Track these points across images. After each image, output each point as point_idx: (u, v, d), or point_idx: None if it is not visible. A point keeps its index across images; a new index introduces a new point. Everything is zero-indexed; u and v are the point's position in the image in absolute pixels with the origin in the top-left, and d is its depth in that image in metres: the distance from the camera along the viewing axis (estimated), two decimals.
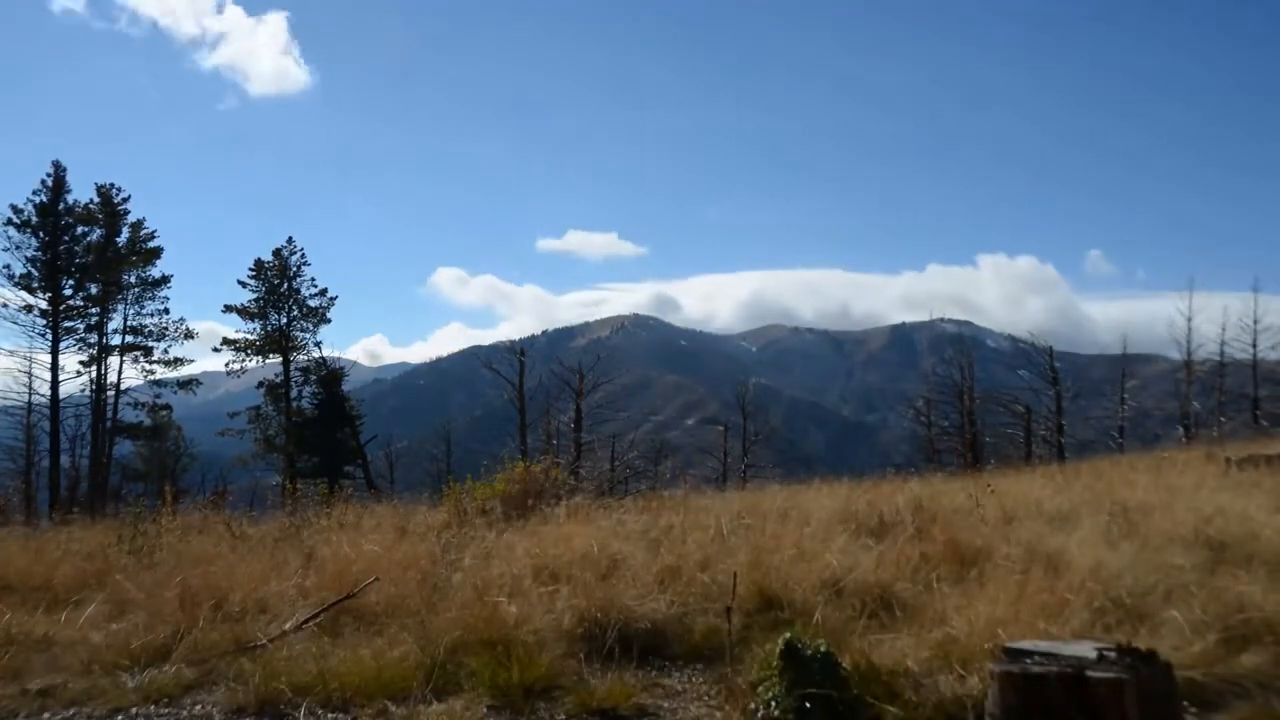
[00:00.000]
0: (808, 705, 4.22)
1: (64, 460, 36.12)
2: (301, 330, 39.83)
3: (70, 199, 37.07)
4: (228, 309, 39.51)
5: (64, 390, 36.26)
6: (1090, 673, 3.24)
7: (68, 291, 36.81)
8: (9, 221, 35.69)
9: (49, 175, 36.80)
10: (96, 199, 37.88)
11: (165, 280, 39.16)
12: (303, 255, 40.13)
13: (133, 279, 38.45)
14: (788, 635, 4.53)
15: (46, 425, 35.60)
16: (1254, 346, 32.23)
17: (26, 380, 35.52)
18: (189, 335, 39.44)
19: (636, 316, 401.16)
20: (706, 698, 4.93)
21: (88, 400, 37.11)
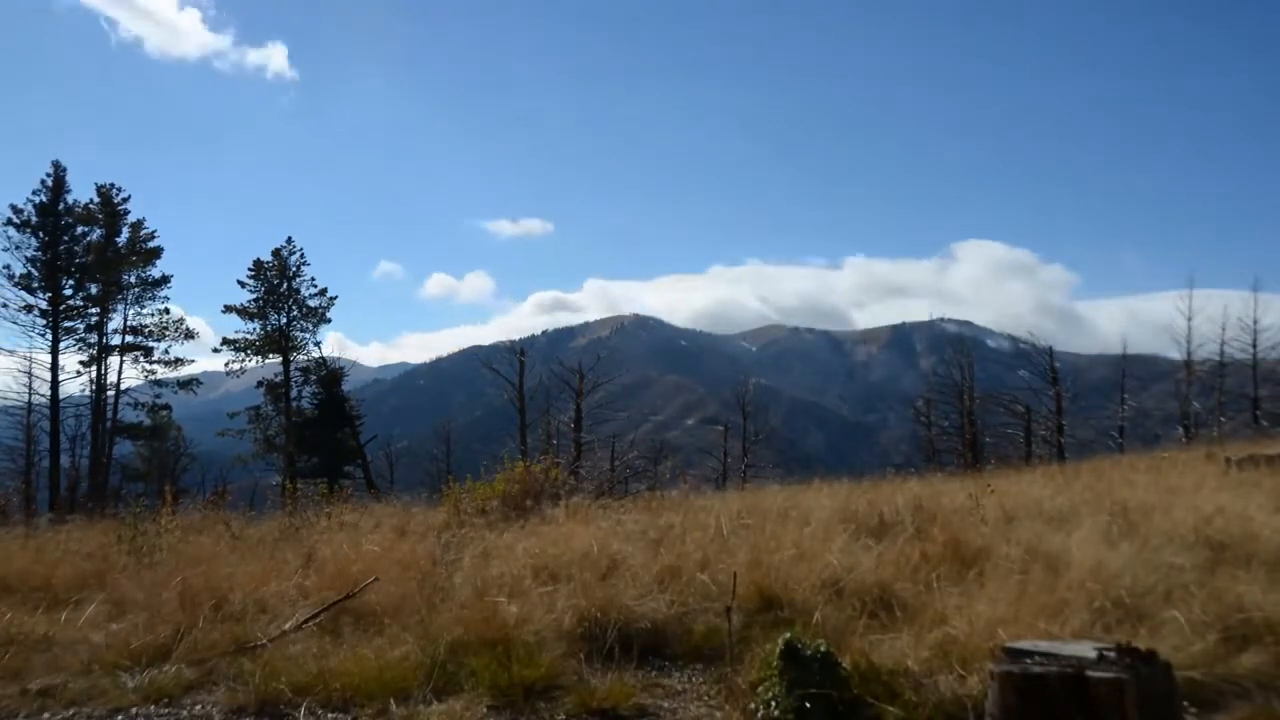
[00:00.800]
0: (808, 705, 4.22)
1: (64, 460, 36.14)
2: (301, 330, 39.90)
3: (70, 199, 37.15)
4: (227, 309, 39.56)
5: (64, 390, 36.30)
6: (1090, 673, 3.24)
7: (68, 291, 36.83)
8: (9, 221, 35.73)
9: (49, 175, 36.84)
10: (96, 199, 37.92)
11: (165, 280, 39.25)
12: (302, 255, 40.23)
13: (132, 279, 38.48)
14: (788, 635, 4.54)
15: (46, 425, 35.60)
16: (1254, 346, 32.24)
17: (26, 380, 35.56)
18: (189, 335, 39.50)
19: (636, 316, 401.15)
20: (707, 698, 4.93)
21: (88, 400, 37.11)
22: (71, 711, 4.99)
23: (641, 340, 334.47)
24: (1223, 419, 31.72)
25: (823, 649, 4.46)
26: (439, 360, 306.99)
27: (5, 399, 35.48)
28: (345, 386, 39.06)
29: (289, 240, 40.37)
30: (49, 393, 35.70)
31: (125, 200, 38.40)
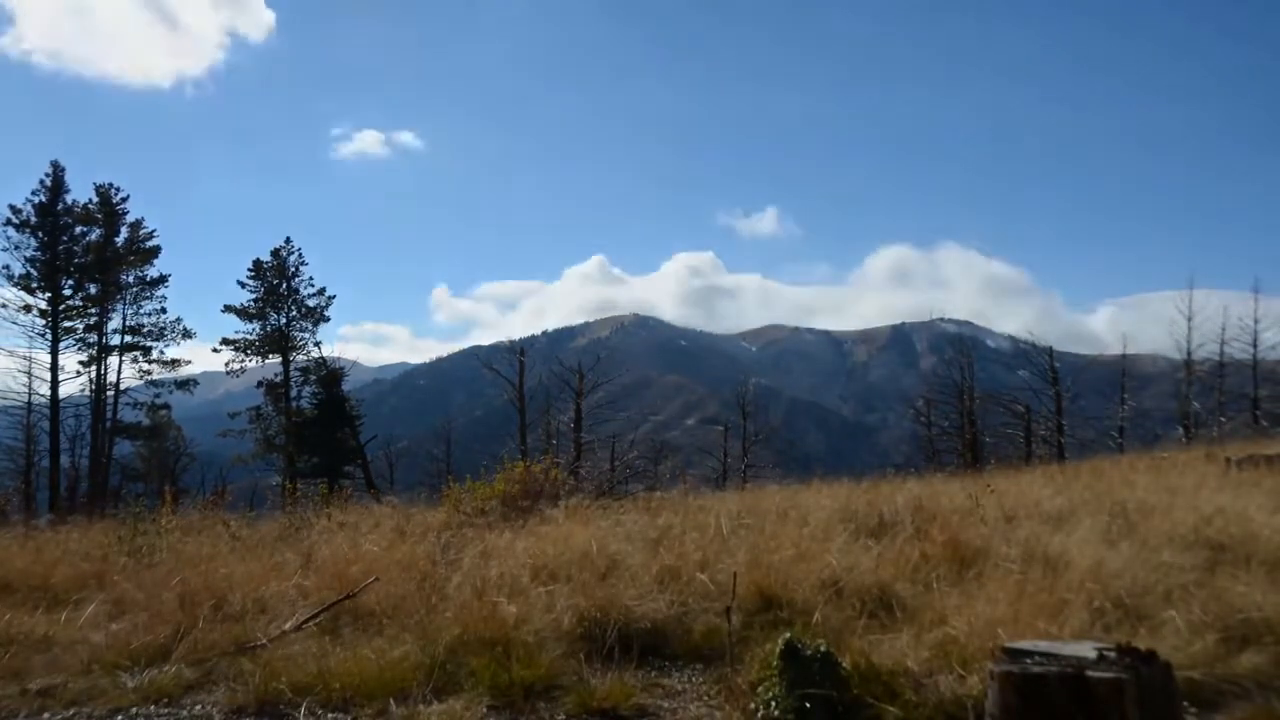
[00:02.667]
0: (808, 705, 4.22)
1: (64, 460, 36.15)
2: (301, 330, 39.88)
3: (69, 199, 37.16)
4: (227, 309, 39.55)
5: (64, 390, 36.30)
6: (1090, 673, 3.24)
7: (67, 291, 36.83)
8: (8, 221, 35.73)
9: (48, 175, 36.85)
10: (95, 199, 37.92)
11: (163, 279, 39.26)
12: (300, 255, 40.22)
13: (131, 279, 38.49)
14: (788, 635, 4.54)
15: (46, 425, 35.61)
16: (1254, 346, 32.26)
17: (26, 380, 35.57)
18: (187, 334, 39.50)
19: (636, 316, 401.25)
20: (706, 698, 4.93)
21: (87, 400, 37.11)
22: (71, 711, 4.99)
23: (641, 340, 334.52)
24: (1223, 419, 31.72)
25: (823, 649, 4.46)
26: (439, 360, 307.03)
27: (5, 399, 35.53)
28: (345, 386, 39.03)
29: (288, 240, 40.43)
30: (49, 393, 35.72)
31: (124, 200, 38.46)
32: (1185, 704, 4.01)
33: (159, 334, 38.82)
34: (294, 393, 39.24)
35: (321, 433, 37.25)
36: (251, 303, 39.64)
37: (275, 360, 39.80)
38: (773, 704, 4.33)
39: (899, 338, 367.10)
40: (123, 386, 38.18)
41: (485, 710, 4.76)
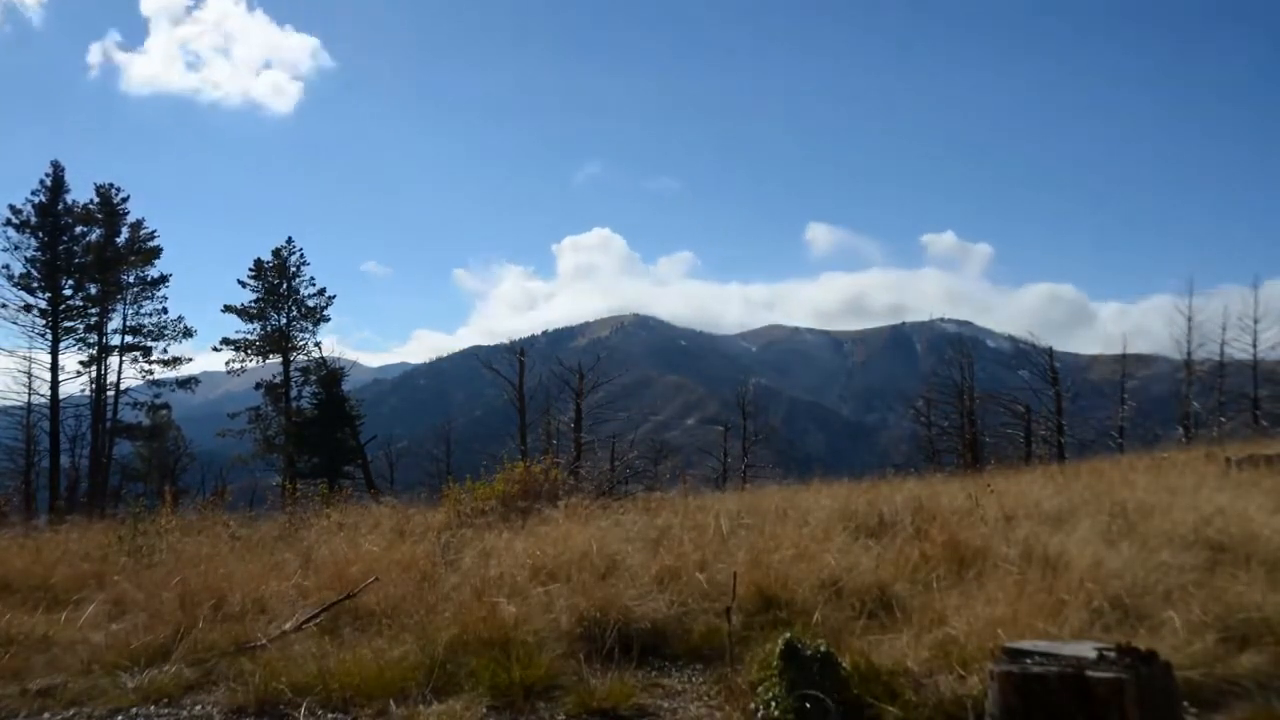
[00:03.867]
0: (808, 705, 4.22)
1: (64, 460, 36.18)
2: (301, 330, 39.91)
3: (69, 199, 37.20)
4: (227, 309, 39.57)
5: (64, 390, 36.36)
6: (1090, 673, 3.24)
7: (67, 291, 36.88)
8: (8, 222, 35.78)
9: (48, 175, 36.87)
10: (96, 199, 37.94)
11: (164, 280, 39.30)
12: (301, 255, 40.26)
13: (131, 279, 38.51)
14: (788, 635, 4.54)
15: (46, 425, 35.64)
16: (1254, 346, 32.30)
17: (26, 380, 35.60)
18: (188, 334, 39.53)
19: (636, 316, 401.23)
20: (706, 698, 4.93)
21: (87, 400, 37.15)
22: (71, 711, 4.99)
23: (641, 340, 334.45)
24: (1223, 419, 31.73)
25: (823, 649, 4.46)
26: (439, 360, 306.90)
27: (5, 399, 35.59)
28: (345, 386, 39.03)
29: (289, 240, 40.46)
30: (49, 393, 35.76)
31: (124, 200, 38.49)
32: (1185, 704, 4.01)
33: (159, 334, 38.89)
34: (294, 393, 39.27)
35: (321, 433, 37.24)
36: (252, 303, 39.69)
37: (275, 360, 39.84)
38: (773, 704, 4.33)
39: (899, 338, 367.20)
40: (123, 386, 38.25)
41: (485, 710, 4.76)
